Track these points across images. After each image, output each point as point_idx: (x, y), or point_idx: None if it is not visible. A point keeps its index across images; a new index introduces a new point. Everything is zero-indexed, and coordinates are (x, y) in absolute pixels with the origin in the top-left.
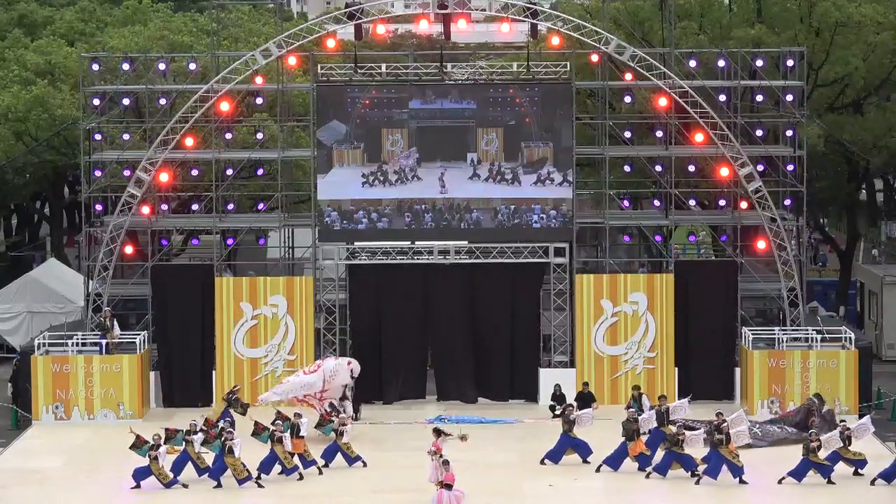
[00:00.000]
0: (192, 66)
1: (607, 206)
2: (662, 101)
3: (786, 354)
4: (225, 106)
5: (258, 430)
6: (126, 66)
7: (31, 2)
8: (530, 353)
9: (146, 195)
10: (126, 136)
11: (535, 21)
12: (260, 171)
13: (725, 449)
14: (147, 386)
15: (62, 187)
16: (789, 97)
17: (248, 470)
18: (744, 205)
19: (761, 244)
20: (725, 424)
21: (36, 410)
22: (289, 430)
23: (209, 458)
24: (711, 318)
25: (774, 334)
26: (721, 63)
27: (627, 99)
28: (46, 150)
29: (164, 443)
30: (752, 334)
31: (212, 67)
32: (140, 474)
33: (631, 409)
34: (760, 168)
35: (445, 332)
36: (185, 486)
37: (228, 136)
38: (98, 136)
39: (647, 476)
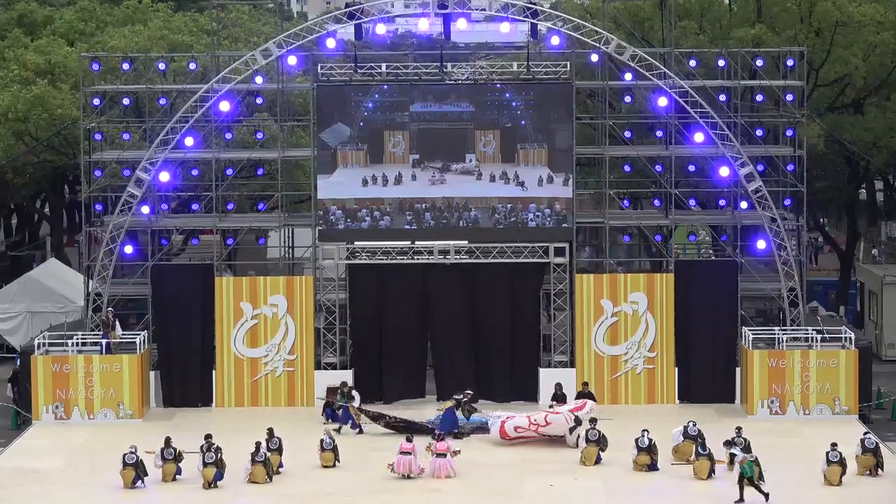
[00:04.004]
0: (192, 66)
1: (607, 206)
2: (662, 101)
3: (786, 354)
4: (225, 106)
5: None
6: (126, 66)
7: (31, 1)
8: (530, 353)
9: (146, 195)
10: (126, 136)
11: (535, 21)
12: (260, 171)
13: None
14: (147, 386)
15: (62, 187)
16: (789, 97)
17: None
18: (744, 205)
19: (761, 244)
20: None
21: (36, 410)
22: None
23: (190, 458)
24: (711, 318)
25: (774, 334)
26: (721, 63)
27: (627, 99)
28: (46, 150)
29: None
30: (752, 334)
31: (212, 67)
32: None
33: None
34: (760, 168)
35: (445, 332)
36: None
37: (228, 136)
38: (98, 136)
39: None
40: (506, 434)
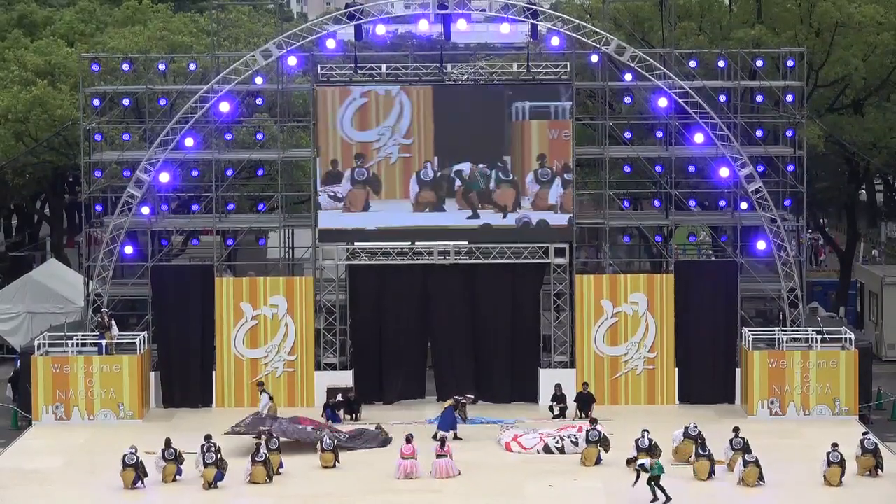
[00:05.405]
0: (192, 67)
1: (607, 207)
2: (662, 102)
3: (786, 355)
4: (225, 106)
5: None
6: (126, 67)
7: (31, 2)
8: (530, 353)
9: (146, 196)
10: (126, 137)
11: (535, 21)
12: (260, 172)
13: None
14: (147, 386)
15: (62, 187)
16: (789, 97)
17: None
18: (744, 205)
19: (761, 244)
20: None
21: (36, 411)
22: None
23: (190, 459)
24: (711, 319)
25: (774, 335)
26: (721, 63)
27: (627, 99)
28: (46, 150)
29: None
30: (752, 334)
31: (212, 68)
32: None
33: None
34: (760, 168)
35: (445, 333)
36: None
37: (228, 136)
38: (98, 137)
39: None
40: (519, 445)
